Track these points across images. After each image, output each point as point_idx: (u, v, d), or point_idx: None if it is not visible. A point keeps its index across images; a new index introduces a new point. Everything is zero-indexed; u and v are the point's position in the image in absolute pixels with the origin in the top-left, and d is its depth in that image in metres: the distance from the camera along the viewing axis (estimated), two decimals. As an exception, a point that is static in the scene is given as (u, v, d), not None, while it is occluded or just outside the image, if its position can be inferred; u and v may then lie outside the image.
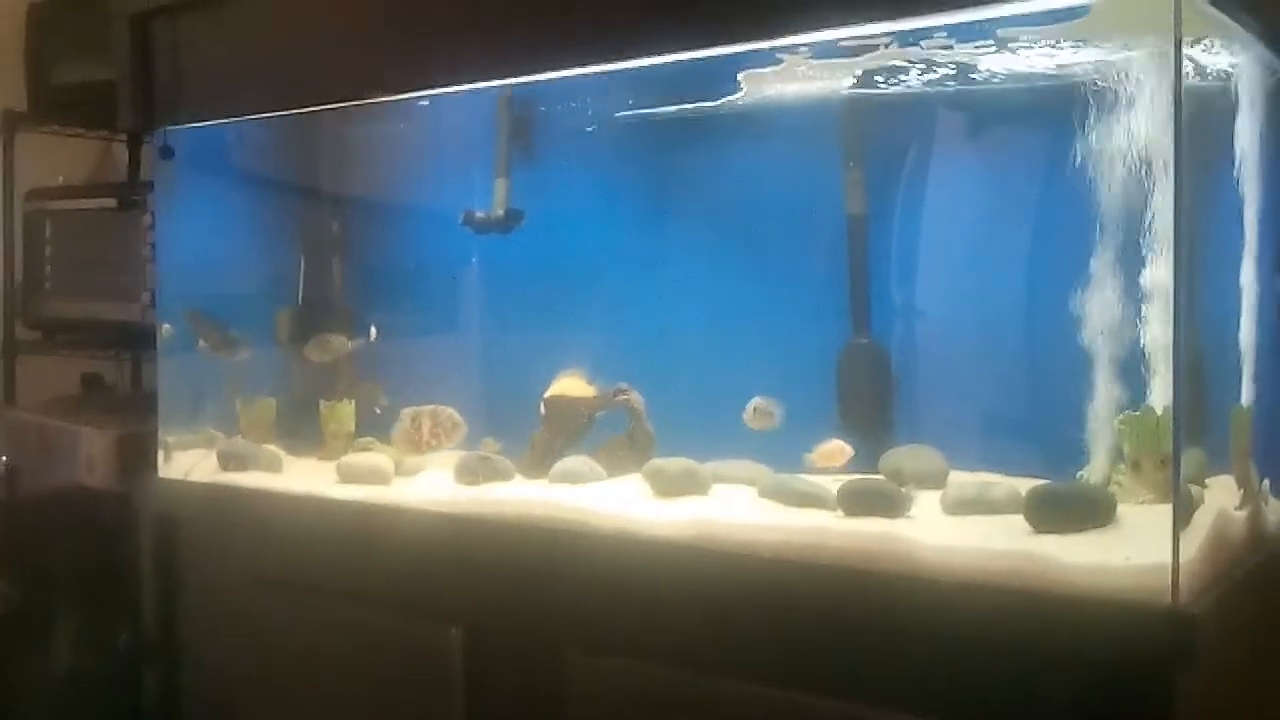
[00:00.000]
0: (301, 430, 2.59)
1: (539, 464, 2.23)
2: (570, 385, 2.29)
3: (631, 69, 1.96)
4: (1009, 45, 1.88)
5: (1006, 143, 2.13)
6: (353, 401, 2.56)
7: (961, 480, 1.89)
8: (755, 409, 2.13)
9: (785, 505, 1.91)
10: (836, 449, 2.03)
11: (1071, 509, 1.68)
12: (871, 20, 1.72)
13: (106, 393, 3.63)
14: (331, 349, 2.64)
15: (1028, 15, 1.72)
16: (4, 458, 3.37)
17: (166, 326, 2.69)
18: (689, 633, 1.80)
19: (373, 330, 2.62)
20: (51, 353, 3.54)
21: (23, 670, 3.00)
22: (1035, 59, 1.91)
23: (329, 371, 2.68)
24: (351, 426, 2.55)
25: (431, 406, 2.43)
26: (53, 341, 3.54)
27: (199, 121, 2.56)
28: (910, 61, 1.99)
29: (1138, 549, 1.53)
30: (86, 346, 3.54)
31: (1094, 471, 1.81)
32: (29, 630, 3.00)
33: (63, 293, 3.42)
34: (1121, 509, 1.69)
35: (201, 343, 2.70)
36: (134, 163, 3.65)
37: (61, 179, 3.59)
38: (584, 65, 1.99)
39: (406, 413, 2.44)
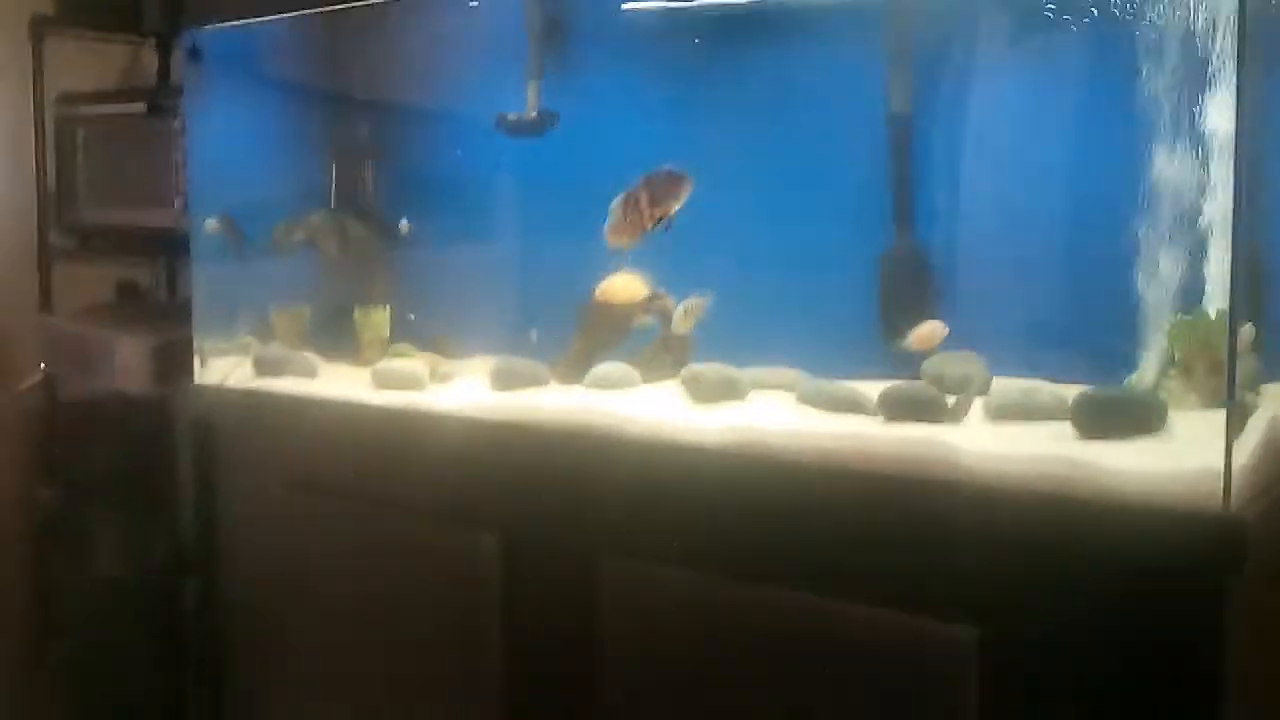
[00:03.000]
0: (336, 336, 2.58)
1: (574, 370, 2.20)
2: (623, 281, 2.23)
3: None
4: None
5: (1053, 37, 2.05)
6: (387, 307, 2.55)
7: (1006, 386, 1.85)
8: (685, 309, 2.09)
9: (825, 411, 1.88)
10: (932, 330, 1.97)
11: (1120, 415, 1.64)
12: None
13: (141, 300, 3.63)
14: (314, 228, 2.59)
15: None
16: (41, 365, 3.38)
17: (211, 222, 2.68)
18: (726, 539, 1.78)
19: (404, 224, 2.58)
20: (86, 260, 3.53)
21: (63, 575, 3.04)
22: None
23: (363, 276, 2.66)
24: (386, 332, 2.54)
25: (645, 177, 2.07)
26: (87, 248, 3.53)
27: (226, 21, 2.52)
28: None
29: (1189, 455, 1.49)
30: (120, 253, 3.53)
31: (1144, 377, 1.76)
32: (68, 536, 3.03)
33: (95, 199, 3.40)
34: (1172, 415, 1.65)
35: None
36: (164, 67, 3.60)
37: (92, 83, 3.56)
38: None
39: (615, 203, 2.09)
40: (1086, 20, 1.89)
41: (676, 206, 2.05)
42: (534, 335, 2.24)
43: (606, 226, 2.10)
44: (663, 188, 2.05)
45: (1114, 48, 1.79)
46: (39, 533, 3.08)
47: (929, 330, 1.96)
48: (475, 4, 2.25)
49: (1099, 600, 1.48)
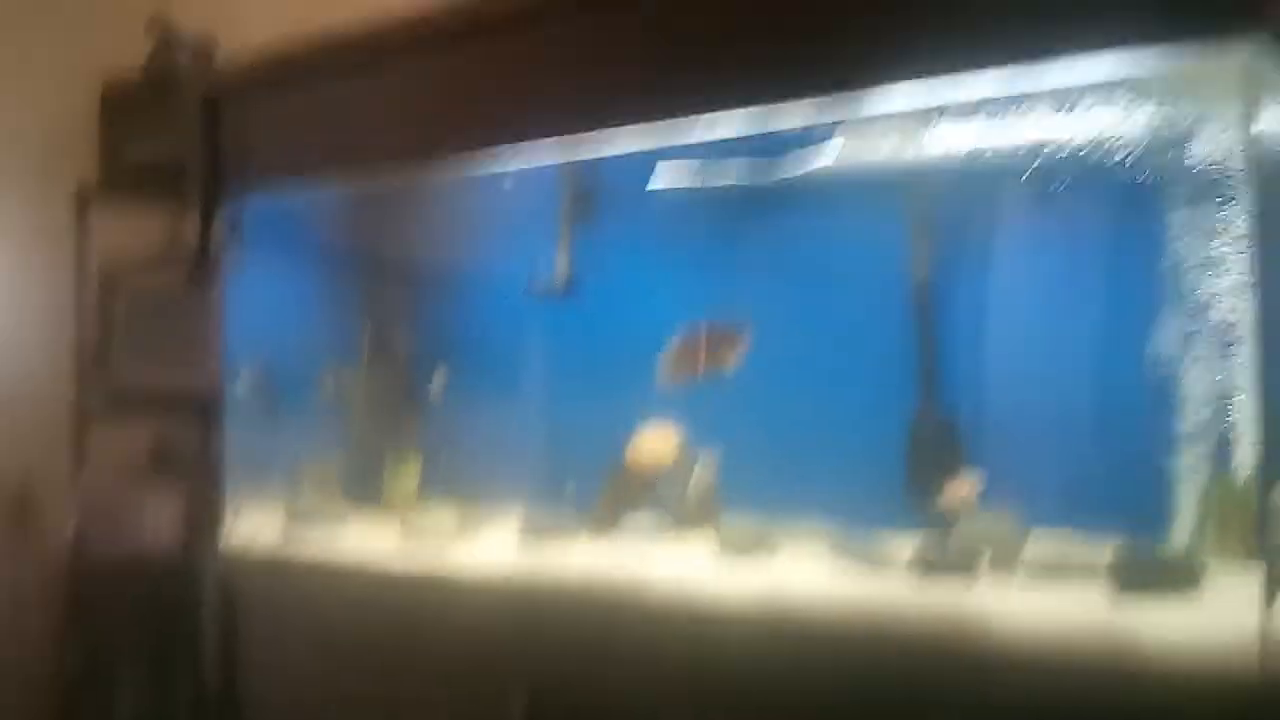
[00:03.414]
0: (366, 486, 2.63)
1: (603, 525, 2.23)
2: (654, 440, 2.27)
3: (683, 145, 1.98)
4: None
5: (1076, 207, 2.10)
6: (418, 459, 2.60)
7: (1040, 546, 1.86)
8: (702, 465, 2.17)
9: (856, 569, 1.89)
10: (965, 485, 2.00)
11: (1155, 576, 1.65)
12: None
13: (174, 460, 3.66)
14: None
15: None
16: (72, 524, 3.40)
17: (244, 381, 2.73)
18: (756, 699, 1.77)
19: (436, 377, 2.64)
20: (120, 421, 3.57)
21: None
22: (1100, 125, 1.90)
23: (394, 428, 2.72)
24: (415, 483, 2.59)
25: (707, 322, 2.17)
26: (121, 410, 3.57)
27: (265, 195, 2.62)
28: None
29: (1224, 618, 1.49)
30: (155, 414, 3.57)
31: (1178, 536, 1.77)
32: (94, 693, 3.00)
33: (133, 362, 3.47)
34: (1209, 571, 1.66)
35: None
36: (204, 235, 3.70)
37: (133, 251, 3.65)
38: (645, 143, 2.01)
39: (674, 342, 2.20)
40: (1104, 191, 1.94)
41: (732, 362, 2.13)
42: (567, 488, 2.27)
43: (662, 360, 2.17)
44: (722, 341, 2.12)
45: (1137, 213, 1.85)
46: (66, 690, 3.07)
47: (961, 485, 1.98)
48: (508, 186, 2.35)
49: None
